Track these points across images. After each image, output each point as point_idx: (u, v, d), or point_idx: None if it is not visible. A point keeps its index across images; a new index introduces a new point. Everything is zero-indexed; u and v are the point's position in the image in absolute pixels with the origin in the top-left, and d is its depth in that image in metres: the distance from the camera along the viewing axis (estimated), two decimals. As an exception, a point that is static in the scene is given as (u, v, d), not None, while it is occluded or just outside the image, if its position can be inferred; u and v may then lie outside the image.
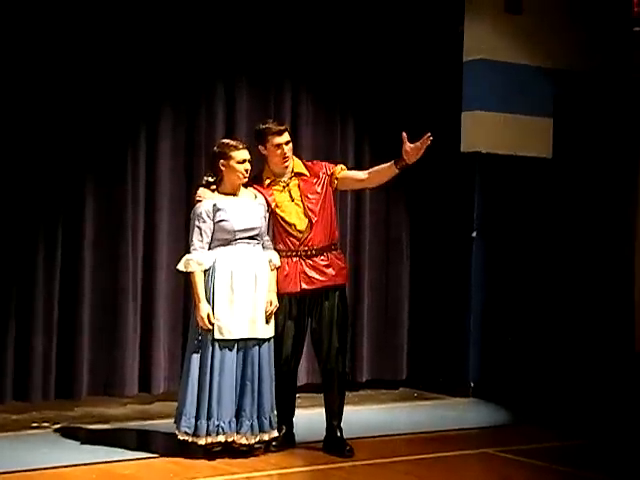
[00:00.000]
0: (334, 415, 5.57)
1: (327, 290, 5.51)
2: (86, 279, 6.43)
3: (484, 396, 7.44)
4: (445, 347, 7.69)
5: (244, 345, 5.28)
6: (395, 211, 7.72)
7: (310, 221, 5.48)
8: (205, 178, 5.46)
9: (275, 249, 5.53)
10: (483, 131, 7.66)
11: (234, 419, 5.26)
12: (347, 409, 5.70)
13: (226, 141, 5.53)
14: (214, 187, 5.41)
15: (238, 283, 5.28)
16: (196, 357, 5.25)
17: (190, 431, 5.22)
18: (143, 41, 6.63)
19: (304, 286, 5.47)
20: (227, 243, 5.31)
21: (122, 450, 5.41)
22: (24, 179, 6.25)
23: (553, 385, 7.56)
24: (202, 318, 5.21)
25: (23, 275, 6.24)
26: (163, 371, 6.70)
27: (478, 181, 7.66)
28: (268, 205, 5.49)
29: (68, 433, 5.86)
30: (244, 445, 5.29)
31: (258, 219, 5.40)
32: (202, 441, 5.22)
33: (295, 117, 7.22)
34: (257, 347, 5.31)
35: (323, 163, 5.66)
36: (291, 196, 5.51)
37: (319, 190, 5.53)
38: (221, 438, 5.23)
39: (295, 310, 5.51)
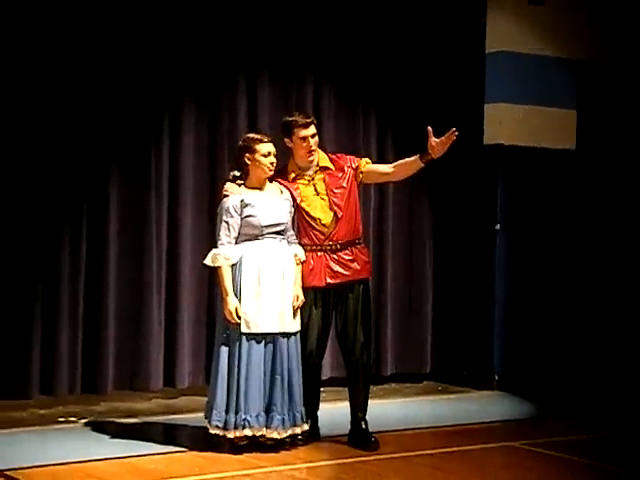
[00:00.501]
0: (359, 408, 5.57)
1: (352, 284, 5.52)
2: (111, 273, 6.46)
3: (509, 389, 7.43)
4: (469, 340, 7.68)
5: (272, 339, 5.30)
6: (418, 203, 7.70)
7: (335, 215, 5.48)
8: (231, 173, 5.48)
9: (300, 243, 5.54)
10: (506, 123, 7.62)
11: (263, 413, 5.27)
12: (372, 403, 5.71)
13: (251, 135, 5.55)
14: (241, 182, 5.42)
15: (265, 278, 5.29)
16: (225, 351, 5.27)
17: (221, 425, 5.23)
18: (166, 35, 6.65)
19: (329, 280, 5.48)
20: (254, 238, 5.32)
21: (150, 444, 5.43)
22: (49, 174, 6.28)
23: (578, 378, 7.53)
24: (230, 312, 5.22)
25: (48, 269, 6.28)
26: (188, 365, 6.73)
27: (501, 173, 7.63)
28: (293, 200, 5.49)
29: (95, 427, 5.90)
30: (274, 439, 5.30)
31: (284, 214, 5.41)
32: (230, 434, 5.23)
33: (317, 110, 7.20)
34: (286, 341, 5.33)
35: (348, 157, 5.65)
36: (316, 190, 5.51)
37: (344, 184, 5.52)
38: (248, 432, 5.24)
39: (320, 304, 5.51)
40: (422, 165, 5.47)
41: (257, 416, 5.25)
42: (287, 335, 5.34)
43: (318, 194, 5.50)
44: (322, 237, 5.49)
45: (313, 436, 5.59)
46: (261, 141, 5.40)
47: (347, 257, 5.50)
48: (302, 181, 5.53)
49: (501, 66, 7.60)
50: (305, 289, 5.48)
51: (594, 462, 5.47)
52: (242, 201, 5.32)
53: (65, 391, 6.29)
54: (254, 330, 5.25)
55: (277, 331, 5.30)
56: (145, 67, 6.58)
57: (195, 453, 5.30)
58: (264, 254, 5.32)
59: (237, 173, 5.44)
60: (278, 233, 5.38)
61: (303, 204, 5.49)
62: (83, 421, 6.04)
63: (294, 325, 5.38)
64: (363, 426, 5.55)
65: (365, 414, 5.57)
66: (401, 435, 5.94)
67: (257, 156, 5.37)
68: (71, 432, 5.75)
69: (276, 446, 5.32)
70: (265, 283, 5.29)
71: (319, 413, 5.67)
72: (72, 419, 6.07)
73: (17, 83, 6.17)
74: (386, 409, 6.65)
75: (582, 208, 7.85)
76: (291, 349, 5.35)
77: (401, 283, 7.61)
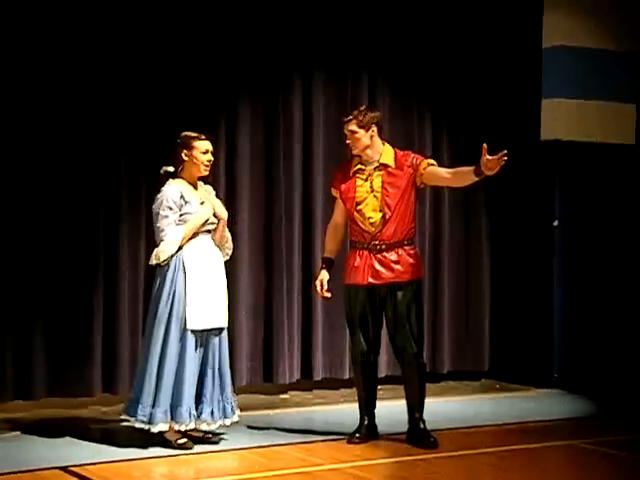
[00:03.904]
0: (415, 407, 5.55)
1: (399, 284, 5.48)
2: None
3: (568, 387, 7.36)
4: (528, 338, 7.61)
5: (207, 333, 5.35)
6: (475, 200, 7.67)
7: (384, 216, 5.45)
8: (164, 169, 5.44)
9: (350, 240, 5.59)
10: (563, 119, 7.55)
11: (194, 406, 5.30)
12: (429, 401, 5.69)
13: (189, 133, 5.48)
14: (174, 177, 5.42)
15: (207, 276, 5.34)
16: (158, 346, 5.24)
17: (146, 419, 5.22)
18: (222, 36, 6.71)
19: (371, 280, 5.46)
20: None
21: (206, 442, 5.45)
22: (105, 172, 6.37)
23: (638, 375, 7.42)
24: (207, 216, 5.29)
25: (108, 269, 6.37)
26: (245, 362, 6.79)
27: (559, 169, 7.56)
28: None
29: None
30: (202, 431, 5.36)
31: (213, 215, 5.46)
32: (156, 429, 5.22)
33: (372, 108, 7.21)
34: (218, 334, 5.40)
35: (412, 155, 5.57)
36: (372, 187, 5.49)
37: (400, 184, 5.48)
38: (182, 427, 5.25)
39: (368, 303, 5.50)
40: (476, 178, 5.38)
41: (190, 410, 5.26)
42: (220, 330, 5.41)
43: (373, 191, 5.49)
44: (369, 236, 5.48)
45: (371, 434, 5.59)
46: (199, 138, 5.42)
47: (392, 258, 5.46)
48: (361, 176, 5.54)
49: (558, 61, 7.52)
50: (350, 287, 5.51)
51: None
52: (182, 197, 5.31)
53: (126, 389, 6.36)
54: (200, 327, 5.29)
55: (218, 326, 5.37)
56: (201, 68, 6.65)
57: (253, 450, 5.34)
58: (202, 253, 5.36)
59: (171, 169, 5.42)
60: (208, 232, 5.43)
61: (356, 202, 5.49)
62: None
63: (226, 320, 5.45)
64: (421, 426, 5.53)
65: (422, 413, 5.55)
66: (460, 433, 5.92)
67: (195, 153, 5.39)
68: (131, 429, 5.81)
69: (203, 440, 5.37)
70: (207, 281, 5.33)
71: (376, 411, 5.66)
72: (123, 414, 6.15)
73: (78, 78, 6.28)
74: (444, 407, 6.62)
75: (642, 204, 7.74)
76: (222, 343, 5.42)
77: (458, 280, 7.58)
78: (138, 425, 5.26)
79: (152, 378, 5.24)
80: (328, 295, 5.59)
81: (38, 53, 6.16)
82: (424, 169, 5.49)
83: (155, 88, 6.50)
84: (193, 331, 5.28)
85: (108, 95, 6.37)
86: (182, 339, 5.26)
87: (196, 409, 5.33)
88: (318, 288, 5.58)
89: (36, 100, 6.17)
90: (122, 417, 5.39)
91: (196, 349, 5.30)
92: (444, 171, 5.58)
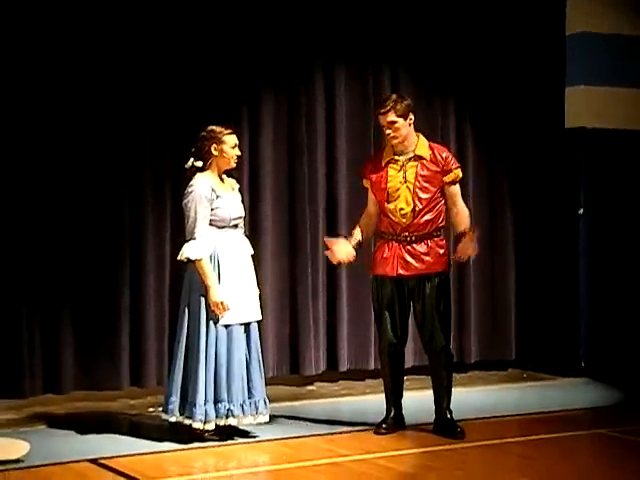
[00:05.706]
0: (442, 397, 5.55)
1: (428, 275, 5.48)
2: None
3: (595, 376, 7.32)
4: (554, 327, 7.57)
5: (247, 327, 5.37)
6: (499, 188, 7.64)
7: (414, 208, 5.44)
8: (191, 162, 5.43)
9: (378, 231, 5.56)
10: (588, 106, 7.50)
11: (247, 400, 5.32)
12: (456, 391, 5.69)
13: (216, 127, 5.47)
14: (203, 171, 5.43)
15: (240, 268, 5.36)
16: (203, 343, 5.24)
17: (203, 418, 5.23)
18: (244, 27, 6.71)
19: (401, 271, 5.46)
20: (218, 229, 5.35)
21: (232, 434, 5.47)
22: (130, 164, 6.40)
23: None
24: (218, 304, 5.23)
25: (134, 265, 6.41)
26: (272, 355, 6.81)
27: (584, 157, 7.51)
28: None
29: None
30: (250, 425, 5.38)
31: (242, 208, 5.49)
32: (210, 426, 5.24)
33: (395, 99, 7.18)
34: (256, 328, 5.43)
35: (446, 154, 5.54)
36: (405, 178, 5.47)
37: (432, 178, 5.46)
38: (232, 421, 5.28)
39: (396, 294, 5.50)
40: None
41: (242, 405, 5.29)
42: (257, 322, 5.45)
43: (406, 182, 5.46)
44: (399, 228, 5.47)
45: (398, 424, 5.60)
46: (228, 133, 5.42)
47: (421, 250, 5.46)
48: (394, 166, 5.50)
49: (582, 47, 7.47)
50: (378, 277, 5.51)
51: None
52: (213, 191, 5.32)
53: (154, 382, 6.42)
54: (237, 321, 5.31)
55: (254, 319, 5.40)
56: (224, 60, 6.66)
57: (278, 441, 5.37)
58: (232, 245, 5.38)
59: (197, 163, 5.40)
60: (237, 225, 5.44)
61: (389, 192, 5.46)
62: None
63: (259, 313, 5.48)
64: (448, 416, 5.53)
65: (449, 403, 5.55)
66: (487, 423, 5.92)
67: (225, 147, 5.39)
68: (160, 421, 5.84)
69: (232, 432, 5.38)
70: (241, 274, 5.35)
71: (403, 401, 5.66)
72: (160, 409, 6.18)
73: (103, 70, 6.31)
74: (471, 397, 6.62)
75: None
76: (257, 336, 5.45)
77: (484, 269, 7.55)
78: (195, 425, 5.23)
79: (211, 377, 5.23)
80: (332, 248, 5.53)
81: (68, 45, 6.20)
82: (447, 183, 5.50)
83: (178, 80, 6.52)
84: (231, 326, 5.28)
85: (131, 87, 6.39)
86: (223, 334, 5.26)
87: (249, 403, 5.35)
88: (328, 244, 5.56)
89: (63, 93, 6.21)
90: (172, 419, 5.33)
91: (236, 343, 5.29)
92: (453, 206, 5.54)
